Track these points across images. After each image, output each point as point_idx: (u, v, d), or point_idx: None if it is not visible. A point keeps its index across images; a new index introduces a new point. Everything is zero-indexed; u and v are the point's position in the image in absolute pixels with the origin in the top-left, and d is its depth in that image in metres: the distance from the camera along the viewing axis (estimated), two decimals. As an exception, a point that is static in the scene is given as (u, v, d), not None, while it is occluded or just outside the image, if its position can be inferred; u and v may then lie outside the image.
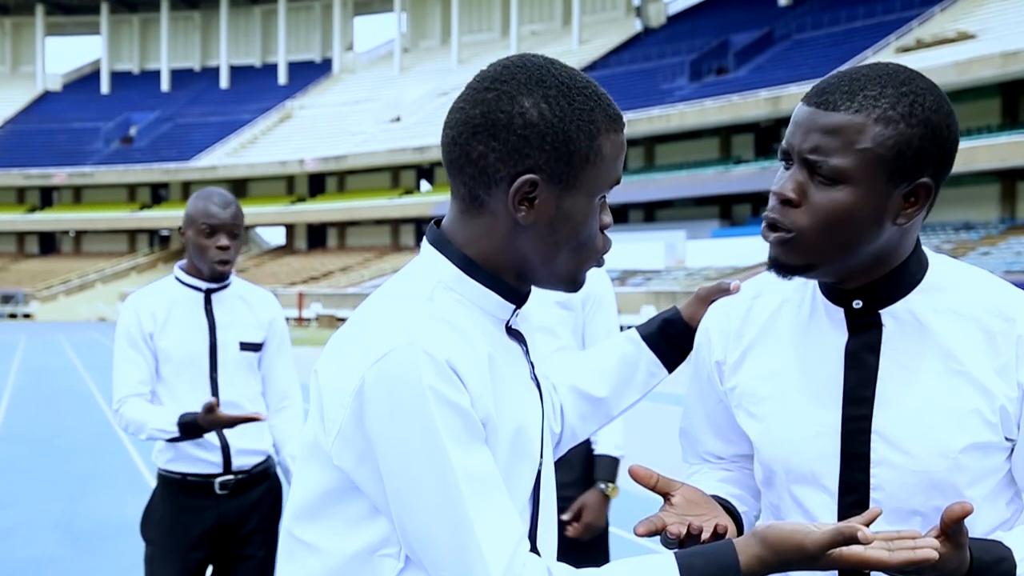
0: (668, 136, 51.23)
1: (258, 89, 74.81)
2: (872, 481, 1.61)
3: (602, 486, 3.49)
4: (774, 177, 1.64)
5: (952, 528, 1.42)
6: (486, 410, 1.39)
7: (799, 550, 1.37)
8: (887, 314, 1.64)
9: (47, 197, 72.34)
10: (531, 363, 1.56)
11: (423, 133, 57.54)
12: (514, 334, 1.54)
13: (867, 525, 1.41)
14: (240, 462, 3.57)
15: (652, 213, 52.64)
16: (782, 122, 46.34)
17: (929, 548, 1.38)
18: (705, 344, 1.81)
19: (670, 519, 1.56)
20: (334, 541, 1.44)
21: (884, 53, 43.64)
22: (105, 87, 79.56)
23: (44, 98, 79.51)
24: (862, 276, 1.63)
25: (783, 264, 1.61)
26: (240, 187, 66.60)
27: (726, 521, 1.61)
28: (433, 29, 74.32)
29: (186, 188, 67.81)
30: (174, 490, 3.57)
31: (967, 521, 1.45)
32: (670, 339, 1.85)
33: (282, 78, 75.26)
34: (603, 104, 1.47)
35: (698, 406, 1.86)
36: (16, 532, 7.80)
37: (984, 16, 44.79)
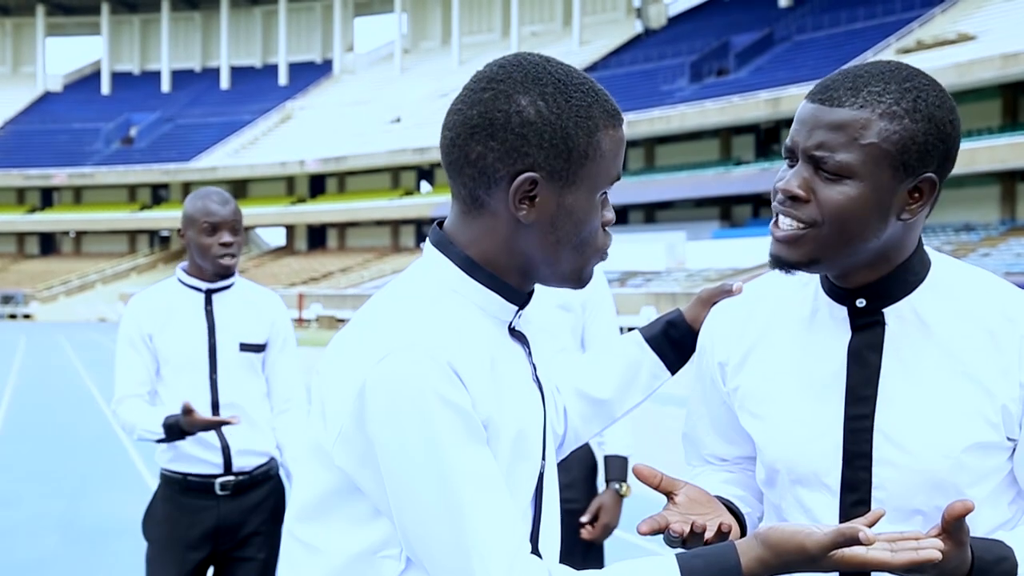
0: (668, 137, 51.22)
1: (259, 90, 74.78)
2: (874, 480, 1.62)
3: (616, 486, 3.51)
4: (774, 179, 1.64)
5: (953, 526, 1.42)
6: (487, 411, 1.39)
7: (800, 551, 1.37)
8: (890, 312, 1.64)
9: (47, 197, 72.33)
10: (533, 365, 1.56)
11: (423, 134, 57.53)
12: (517, 335, 1.54)
13: (870, 526, 1.42)
14: (241, 463, 3.57)
15: (652, 214, 52.63)
16: (782, 123, 46.36)
17: (933, 548, 1.39)
18: (708, 346, 1.81)
19: (673, 518, 1.56)
20: (336, 542, 1.44)
21: (884, 54, 43.63)
22: (105, 88, 79.55)
23: (44, 98, 79.50)
24: (866, 273, 1.63)
25: (785, 260, 1.61)
26: (240, 188, 66.59)
27: (730, 520, 1.61)
28: (434, 30, 74.30)
29: (186, 189, 67.77)
30: (175, 490, 3.57)
31: (968, 521, 1.45)
32: (673, 341, 1.86)
33: (283, 79, 75.23)
34: (601, 100, 1.47)
35: (701, 408, 1.87)
36: (16, 532, 7.80)
37: (984, 17, 44.78)
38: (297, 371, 3.71)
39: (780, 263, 1.62)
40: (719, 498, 1.69)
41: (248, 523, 3.59)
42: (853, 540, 1.35)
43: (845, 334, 1.66)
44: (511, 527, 1.37)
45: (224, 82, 77.00)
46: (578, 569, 1.42)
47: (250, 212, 58.80)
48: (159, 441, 3.44)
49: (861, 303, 1.65)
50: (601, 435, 3.47)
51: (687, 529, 1.54)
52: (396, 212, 59.32)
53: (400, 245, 61.95)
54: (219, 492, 3.55)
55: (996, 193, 40.71)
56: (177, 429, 3.37)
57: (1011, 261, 33.37)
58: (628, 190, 46.43)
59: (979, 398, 1.59)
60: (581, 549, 3.48)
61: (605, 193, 1.49)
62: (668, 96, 51.31)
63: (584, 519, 3.49)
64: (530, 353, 1.56)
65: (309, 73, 75.64)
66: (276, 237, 71.15)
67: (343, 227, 65.50)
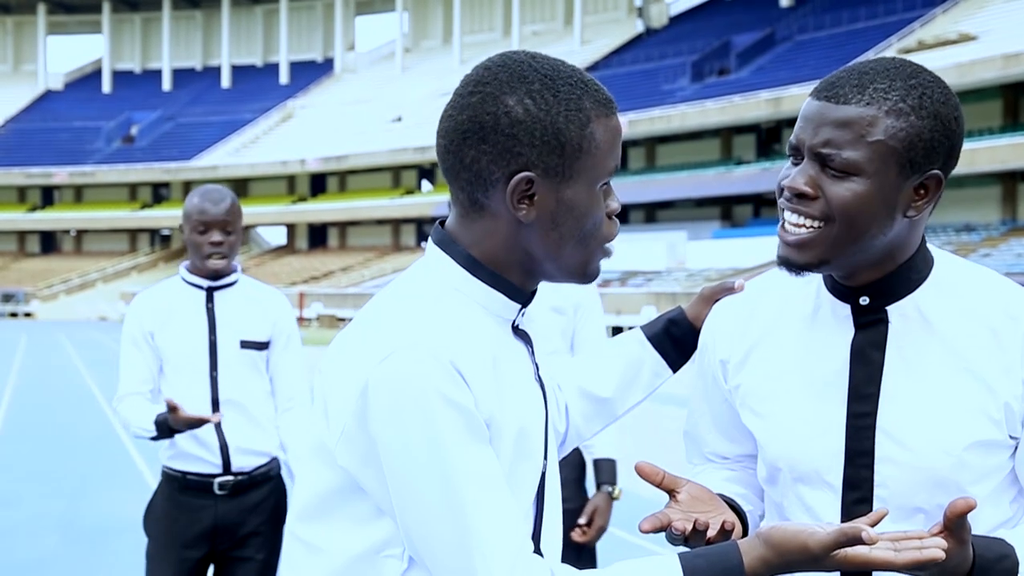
0: (669, 137, 51.22)
1: (260, 89, 74.78)
2: (876, 478, 1.61)
3: (608, 489, 3.58)
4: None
5: (956, 523, 1.42)
6: (489, 411, 1.39)
7: (803, 551, 1.37)
8: (893, 310, 1.64)
9: (48, 196, 72.34)
10: (536, 364, 1.55)
11: (425, 133, 57.50)
12: (520, 334, 1.54)
13: (873, 526, 1.41)
14: (240, 463, 3.56)
15: (653, 214, 52.62)
16: (784, 123, 46.35)
17: (936, 548, 1.38)
18: (710, 343, 1.81)
19: (675, 515, 1.56)
20: (338, 541, 1.43)
21: (885, 54, 43.28)
22: (107, 86, 79.55)
23: (45, 97, 79.50)
24: (870, 271, 1.63)
25: (795, 262, 1.61)
26: (241, 187, 66.58)
27: (733, 519, 1.61)
28: (435, 29, 74.31)
29: (187, 187, 67.73)
30: (174, 488, 3.58)
31: (970, 519, 1.45)
32: (674, 339, 1.85)
33: (284, 78, 75.24)
34: (591, 90, 1.46)
35: (703, 406, 1.86)
36: (17, 532, 7.80)
37: (985, 18, 44.77)
38: (301, 370, 3.70)
39: (789, 265, 1.62)
40: (721, 496, 1.68)
41: (247, 523, 3.58)
42: (856, 539, 1.35)
43: (848, 332, 1.66)
44: (513, 526, 1.37)
45: (225, 81, 77.01)
46: (578, 568, 1.41)
47: (251, 211, 58.83)
48: (153, 439, 3.44)
49: (864, 301, 1.64)
50: (587, 440, 3.51)
51: (689, 527, 1.54)
52: (397, 211, 59.33)
53: (401, 244, 61.96)
54: (217, 492, 3.54)
55: (997, 193, 40.70)
56: (166, 426, 3.37)
57: (1012, 261, 33.36)
58: (629, 190, 46.42)
59: (982, 396, 1.59)
60: (574, 549, 3.52)
61: (607, 183, 1.48)
62: (669, 96, 51.30)
63: (582, 520, 3.55)
64: (533, 352, 1.56)
65: (310, 72, 75.64)
66: (277, 236, 71.19)
67: (344, 226, 65.50)
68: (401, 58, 72.15)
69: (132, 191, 71.81)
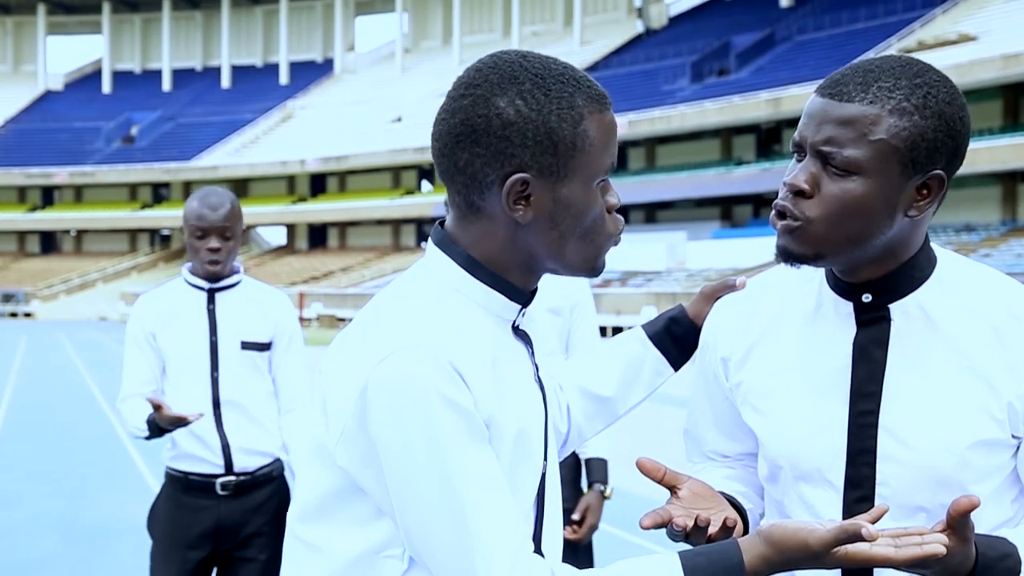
0: (669, 137, 51.20)
1: (259, 89, 74.76)
2: (878, 477, 1.61)
3: (600, 488, 3.62)
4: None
5: (958, 521, 1.41)
6: (489, 411, 1.39)
7: (803, 548, 1.37)
8: (896, 308, 1.63)
9: (48, 196, 72.32)
10: (535, 365, 1.55)
11: (424, 133, 57.33)
12: (520, 335, 1.53)
13: (873, 522, 1.41)
14: (242, 463, 3.56)
15: (653, 214, 52.61)
16: (783, 123, 46.32)
17: (937, 543, 1.38)
18: (711, 341, 1.80)
19: (677, 512, 1.56)
20: (338, 542, 1.43)
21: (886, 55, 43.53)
22: (107, 86, 79.53)
23: (45, 97, 79.48)
24: (872, 269, 1.63)
25: (792, 252, 1.60)
26: (241, 187, 66.56)
27: (735, 516, 1.60)
28: (435, 29, 74.28)
29: (187, 188, 67.74)
30: (177, 488, 3.59)
31: (972, 517, 1.44)
32: (676, 337, 1.85)
33: (283, 78, 75.21)
34: (583, 87, 1.45)
35: (704, 404, 1.86)
36: (17, 532, 7.80)
37: (985, 18, 44.76)
38: (304, 371, 3.69)
39: (787, 254, 1.61)
40: (722, 493, 1.68)
41: (249, 523, 3.58)
42: (856, 536, 1.34)
43: (850, 330, 1.65)
44: (513, 527, 1.36)
45: (225, 81, 76.99)
46: (578, 568, 1.41)
47: (251, 211, 58.81)
48: (146, 438, 3.45)
49: (867, 298, 1.64)
50: (590, 440, 3.55)
51: (691, 523, 1.54)
52: (397, 211, 59.32)
53: (401, 244, 61.95)
54: (220, 492, 3.55)
55: (997, 194, 40.69)
56: (156, 425, 3.37)
57: (1012, 262, 33.36)
58: (629, 190, 46.40)
59: (984, 395, 1.58)
60: (570, 548, 3.54)
61: (604, 180, 1.48)
62: (669, 96, 51.29)
63: (576, 516, 3.58)
64: (533, 353, 1.55)
65: (310, 72, 75.61)
66: (277, 236, 71.17)
67: (344, 226, 65.49)
68: (401, 58, 72.13)
69: (132, 191, 71.79)
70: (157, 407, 3.30)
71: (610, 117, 1.47)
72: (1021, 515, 1.66)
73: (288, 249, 68.07)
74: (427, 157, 56.05)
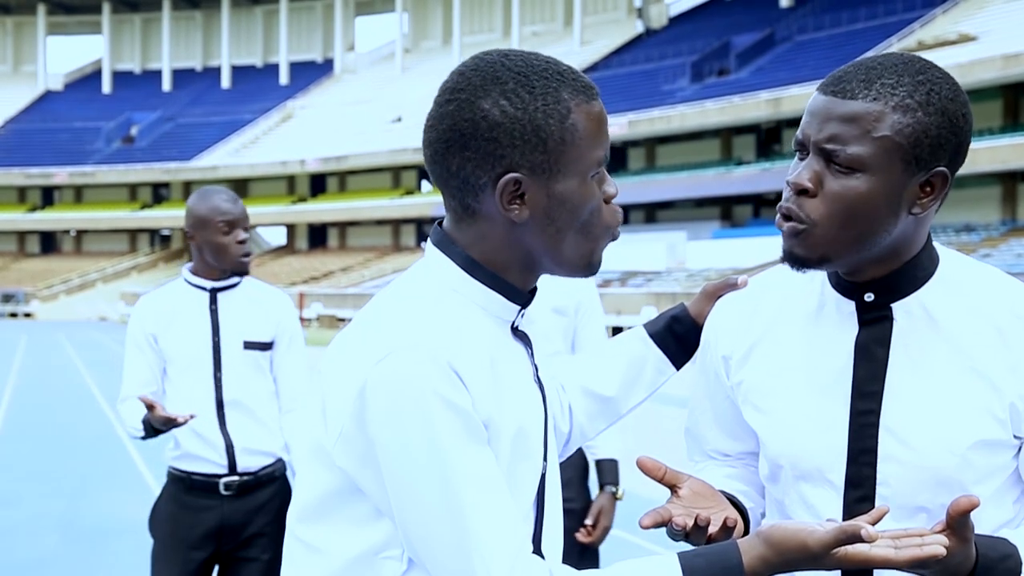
0: (669, 137, 51.19)
1: (259, 89, 74.75)
2: (879, 477, 1.60)
3: (612, 489, 3.59)
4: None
5: (958, 522, 1.41)
6: (487, 412, 1.39)
7: (802, 549, 1.36)
8: (898, 307, 1.63)
9: (48, 196, 72.32)
10: (535, 365, 1.55)
11: (424, 134, 57.41)
12: (519, 335, 1.53)
13: (873, 524, 1.40)
14: (246, 463, 3.56)
15: (653, 214, 52.60)
16: (783, 123, 46.30)
17: (937, 544, 1.37)
18: (712, 339, 1.80)
19: (677, 511, 1.55)
20: (337, 543, 1.43)
21: (885, 55, 43.48)
22: (107, 87, 79.52)
23: (45, 97, 79.47)
24: (875, 268, 1.62)
25: (798, 256, 1.60)
26: (241, 187, 66.54)
27: (735, 515, 1.60)
28: (435, 29, 74.28)
29: (187, 188, 67.73)
30: (180, 488, 3.59)
31: (973, 518, 1.44)
32: (677, 336, 1.84)
33: (283, 78, 75.20)
34: (567, 80, 1.44)
35: (705, 403, 1.85)
36: (17, 532, 7.80)
37: (985, 18, 44.75)
38: (305, 370, 3.70)
39: (793, 259, 1.60)
40: (723, 493, 1.68)
41: (252, 523, 3.59)
42: (855, 537, 1.34)
43: (852, 329, 1.65)
44: (512, 528, 1.36)
45: (225, 81, 76.99)
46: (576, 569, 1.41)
47: (251, 211, 57.38)
48: (142, 438, 3.46)
49: (869, 297, 1.63)
50: (592, 439, 3.53)
51: (690, 522, 1.53)
52: (397, 211, 59.31)
53: (401, 244, 61.95)
54: (223, 492, 3.55)
55: (997, 194, 40.68)
56: (151, 425, 3.38)
57: (1012, 262, 33.36)
58: (629, 190, 46.38)
59: (987, 395, 1.58)
60: (577, 549, 3.53)
61: (598, 171, 1.47)
62: (669, 96, 51.28)
63: (589, 521, 3.56)
64: (532, 354, 1.55)
65: (310, 72, 75.62)
66: (277, 236, 71.20)
67: (344, 226, 65.50)
68: (401, 59, 72.13)
69: (132, 191, 71.79)
70: (150, 407, 3.30)
71: (598, 107, 1.47)
72: (1022, 516, 1.66)
73: (288, 249, 68.08)
74: (427, 157, 56.00)
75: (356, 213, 61.42)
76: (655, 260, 43.41)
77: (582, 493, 3.65)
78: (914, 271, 1.63)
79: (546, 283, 3.29)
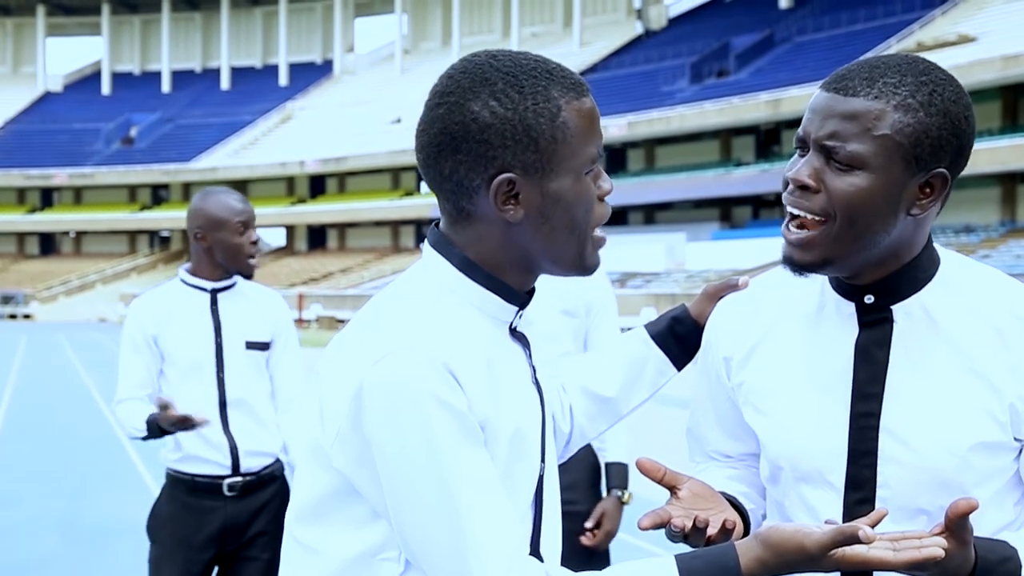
0: (668, 138, 51.17)
1: (259, 90, 74.72)
2: (879, 478, 1.60)
3: (619, 493, 3.53)
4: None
5: (957, 524, 1.41)
6: (484, 413, 1.39)
7: (800, 551, 1.36)
8: (899, 309, 1.63)
9: (47, 198, 72.27)
10: (533, 367, 1.55)
11: (424, 135, 57.35)
12: (517, 336, 1.53)
13: (873, 526, 1.40)
14: (249, 464, 3.56)
15: (652, 215, 52.59)
16: (782, 124, 46.29)
17: (935, 547, 1.38)
18: (713, 340, 1.80)
19: (676, 512, 1.55)
20: (335, 544, 1.43)
21: (885, 56, 43.47)
22: (106, 88, 79.48)
23: (45, 99, 79.42)
24: (876, 270, 1.62)
25: (798, 262, 1.60)
26: (240, 188, 66.44)
27: (734, 517, 1.60)
28: (434, 31, 74.25)
29: (187, 189, 67.72)
30: (182, 490, 3.57)
31: (972, 521, 1.44)
32: (678, 337, 1.84)
33: (283, 79, 75.17)
34: (557, 78, 1.44)
35: (706, 404, 1.85)
36: (16, 532, 7.80)
37: (984, 19, 44.76)
38: (300, 370, 3.71)
39: (793, 265, 1.61)
40: (723, 494, 1.67)
41: (255, 523, 3.59)
42: (853, 539, 1.34)
43: (852, 330, 1.65)
44: (509, 529, 1.36)
45: (224, 82, 76.95)
46: (580, 570, 1.41)
47: (250, 212, 58.61)
48: (144, 439, 3.45)
49: (869, 299, 1.63)
50: (602, 441, 3.50)
51: (689, 524, 1.53)
52: (396, 213, 59.29)
53: (400, 246, 61.92)
54: (227, 493, 3.55)
55: (996, 195, 40.68)
56: (156, 426, 3.37)
57: (1011, 263, 33.36)
58: (628, 191, 46.41)
59: (987, 396, 1.58)
60: (587, 552, 3.49)
61: (592, 168, 1.47)
62: (668, 97, 51.27)
63: (589, 524, 3.50)
64: (530, 355, 1.55)
65: (309, 73, 75.59)
66: (276, 237, 71.07)
67: (343, 227, 65.47)
68: (400, 60, 72.10)
69: (131, 193, 71.74)
70: (164, 406, 3.29)
71: (588, 104, 1.46)
72: (1022, 519, 1.66)
73: (287, 250, 68.05)
74: (426, 158, 55.97)
75: (355, 214, 61.40)
76: (654, 261, 43.40)
77: (591, 495, 3.58)
78: (914, 273, 1.63)
79: (556, 285, 3.28)
